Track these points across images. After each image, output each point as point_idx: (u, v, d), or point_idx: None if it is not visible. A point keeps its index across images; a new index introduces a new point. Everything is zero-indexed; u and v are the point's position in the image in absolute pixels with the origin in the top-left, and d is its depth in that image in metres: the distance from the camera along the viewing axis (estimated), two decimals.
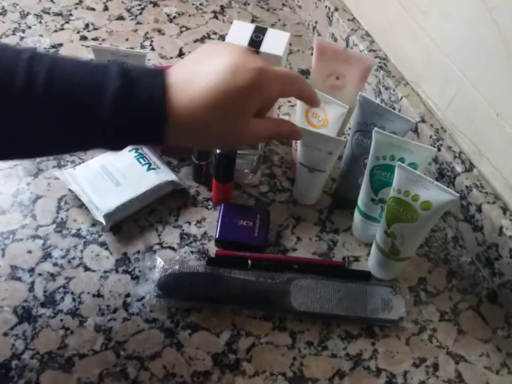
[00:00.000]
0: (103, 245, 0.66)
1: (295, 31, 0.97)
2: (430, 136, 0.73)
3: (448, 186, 0.62)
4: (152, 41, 0.91)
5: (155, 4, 0.98)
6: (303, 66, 0.91)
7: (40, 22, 0.91)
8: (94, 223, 0.67)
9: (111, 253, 0.66)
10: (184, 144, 0.53)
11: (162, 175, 0.70)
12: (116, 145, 0.48)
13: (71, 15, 0.93)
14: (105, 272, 0.64)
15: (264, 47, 0.68)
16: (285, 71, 0.53)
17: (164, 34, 0.93)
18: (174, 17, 0.96)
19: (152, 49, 0.90)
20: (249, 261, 0.65)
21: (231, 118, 0.48)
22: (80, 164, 0.72)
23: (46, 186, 0.71)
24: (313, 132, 0.66)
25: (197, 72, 0.47)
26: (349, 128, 0.75)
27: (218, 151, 0.66)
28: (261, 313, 0.62)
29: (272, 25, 0.97)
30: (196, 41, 0.93)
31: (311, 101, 0.57)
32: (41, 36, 0.89)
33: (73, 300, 0.61)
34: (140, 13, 0.96)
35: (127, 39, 0.91)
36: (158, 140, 0.48)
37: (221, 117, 0.47)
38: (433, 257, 0.71)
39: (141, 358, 0.58)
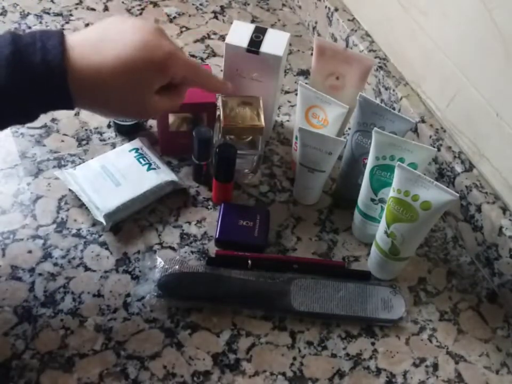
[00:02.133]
0: (103, 244, 0.66)
1: (295, 31, 0.98)
2: (430, 136, 0.73)
3: (448, 186, 0.62)
4: None
5: (155, 4, 0.98)
6: (303, 67, 0.91)
7: (41, 22, 0.91)
8: (94, 223, 0.67)
9: (111, 253, 0.66)
10: (90, 110, 0.54)
11: (162, 175, 0.70)
12: (26, 113, 0.49)
13: (71, 15, 0.93)
14: (105, 272, 0.64)
15: (264, 47, 0.69)
16: (193, 63, 0.57)
17: None
18: (174, 17, 0.96)
19: None
20: (249, 261, 0.65)
21: (133, 88, 0.51)
22: (80, 163, 0.72)
23: (46, 186, 0.71)
24: (313, 132, 0.66)
25: (105, 40, 0.49)
26: (349, 128, 0.75)
27: (218, 150, 0.66)
28: (261, 313, 0.63)
29: (272, 26, 0.97)
30: (196, 41, 0.93)
31: (215, 91, 0.67)
32: None
33: (74, 299, 0.61)
34: (140, 13, 0.96)
35: None
36: (64, 99, 0.48)
37: (124, 84, 0.50)
38: (433, 257, 0.71)
39: (141, 358, 0.58)
